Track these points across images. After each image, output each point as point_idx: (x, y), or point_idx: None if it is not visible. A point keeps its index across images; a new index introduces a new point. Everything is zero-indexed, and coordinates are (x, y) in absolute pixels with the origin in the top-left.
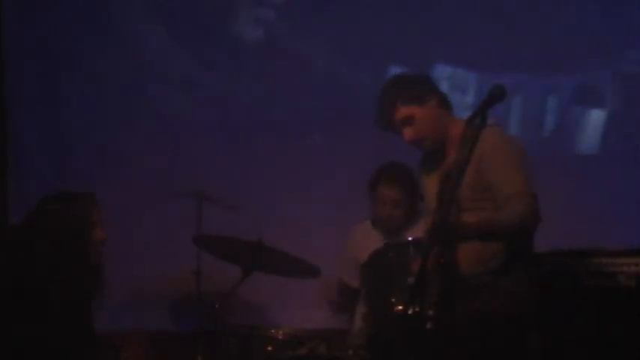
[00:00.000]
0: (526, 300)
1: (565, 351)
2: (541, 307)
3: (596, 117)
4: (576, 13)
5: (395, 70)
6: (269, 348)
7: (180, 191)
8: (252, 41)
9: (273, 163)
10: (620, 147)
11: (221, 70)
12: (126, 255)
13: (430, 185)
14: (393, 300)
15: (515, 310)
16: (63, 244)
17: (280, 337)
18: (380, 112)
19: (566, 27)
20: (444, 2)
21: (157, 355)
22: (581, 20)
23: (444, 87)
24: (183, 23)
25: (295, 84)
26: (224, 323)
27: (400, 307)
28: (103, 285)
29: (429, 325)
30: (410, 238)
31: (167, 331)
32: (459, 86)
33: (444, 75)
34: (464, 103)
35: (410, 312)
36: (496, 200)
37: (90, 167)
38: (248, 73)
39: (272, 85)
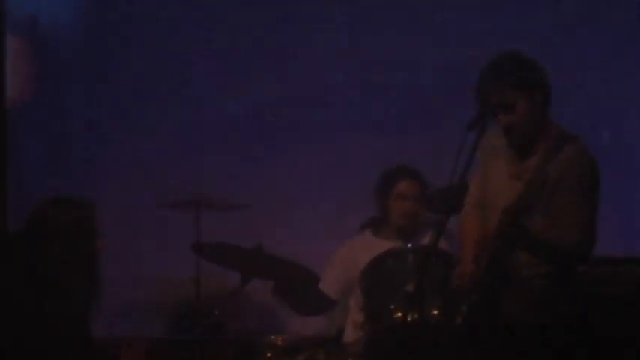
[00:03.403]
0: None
1: (568, 357)
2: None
3: None
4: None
5: (399, 76)
6: (268, 354)
7: (179, 200)
8: (256, 42)
9: (274, 168)
10: (627, 154)
11: (223, 73)
12: (124, 261)
13: (496, 171)
14: (392, 307)
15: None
16: (62, 249)
17: (279, 344)
18: (482, 87)
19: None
20: (450, 6)
21: None
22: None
23: None
24: (185, 24)
25: (299, 88)
26: (223, 330)
27: (400, 314)
28: (100, 291)
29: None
30: (409, 245)
31: (166, 338)
32: None
33: None
34: None
35: (409, 319)
36: (554, 219)
37: (89, 171)
38: (250, 77)
39: (274, 90)
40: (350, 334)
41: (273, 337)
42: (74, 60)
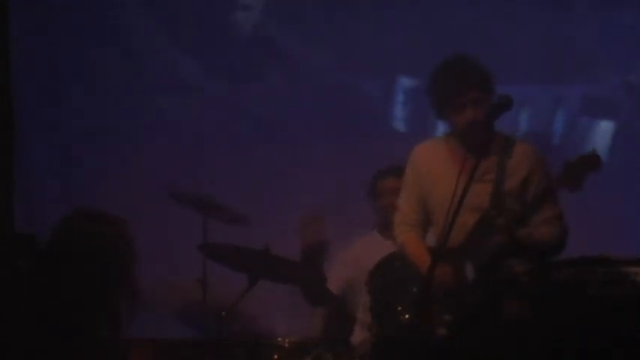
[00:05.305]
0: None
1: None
2: (548, 315)
3: (604, 127)
4: (583, 24)
5: (403, 80)
6: (275, 356)
7: (184, 195)
8: (262, 50)
9: (279, 171)
10: (627, 156)
11: (229, 78)
12: None
13: (440, 181)
14: (399, 309)
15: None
16: (90, 265)
17: (286, 346)
18: (446, 88)
19: (573, 38)
20: (452, 12)
21: None
22: (587, 31)
23: None
24: (192, 32)
25: (303, 93)
26: (230, 332)
27: (407, 316)
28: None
29: (442, 332)
30: None
31: (173, 340)
32: None
33: None
34: None
35: (416, 321)
36: (538, 214)
37: (94, 173)
38: (255, 82)
39: (278, 93)
40: (358, 335)
41: (280, 338)
42: (77, 60)
